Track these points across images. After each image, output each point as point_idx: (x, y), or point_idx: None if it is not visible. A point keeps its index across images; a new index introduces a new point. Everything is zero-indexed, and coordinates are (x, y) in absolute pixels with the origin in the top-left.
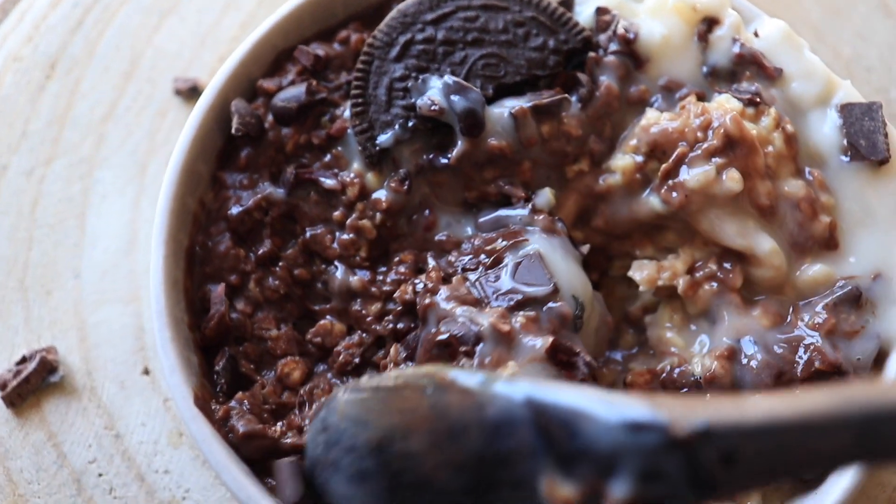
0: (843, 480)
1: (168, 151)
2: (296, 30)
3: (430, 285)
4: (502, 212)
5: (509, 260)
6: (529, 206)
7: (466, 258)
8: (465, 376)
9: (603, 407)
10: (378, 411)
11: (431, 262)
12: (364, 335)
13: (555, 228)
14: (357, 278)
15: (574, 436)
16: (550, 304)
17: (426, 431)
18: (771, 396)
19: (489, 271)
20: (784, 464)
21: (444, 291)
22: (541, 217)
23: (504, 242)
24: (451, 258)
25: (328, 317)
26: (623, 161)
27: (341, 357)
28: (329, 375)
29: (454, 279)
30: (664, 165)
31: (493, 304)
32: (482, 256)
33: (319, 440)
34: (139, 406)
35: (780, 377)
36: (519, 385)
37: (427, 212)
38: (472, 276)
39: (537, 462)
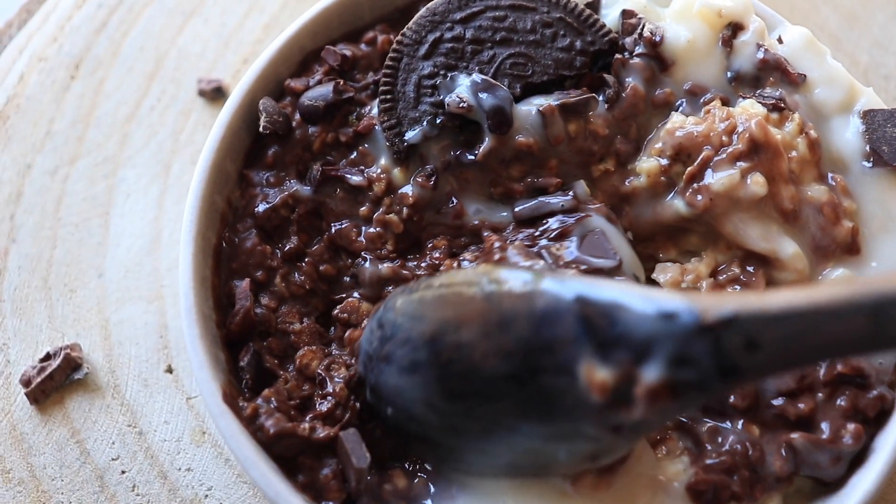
0: (864, 482)
1: (191, 151)
2: (323, 31)
3: (497, 245)
4: (543, 199)
5: (575, 233)
6: (570, 193)
7: (523, 233)
8: (518, 272)
9: (641, 299)
10: (433, 306)
11: (487, 233)
12: None
13: (610, 215)
14: (387, 266)
15: (613, 324)
16: (616, 278)
17: (478, 322)
18: (792, 290)
19: (553, 242)
20: (803, 349)
21: (513, 251)
22: (596, 205)
23: (567, 219)
24: (507, 233)
25: (356, 294)
26: (648, 164)
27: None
28: (346, 357)
29: (516, 246)
30: (689, 169)
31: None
32: (542, 232)
33: (374, 336)
34: (162, 404)
35: (803, 380)
36: (567, 281)
37: (454, 201)
38: (539, 244)
39: (578, 349)
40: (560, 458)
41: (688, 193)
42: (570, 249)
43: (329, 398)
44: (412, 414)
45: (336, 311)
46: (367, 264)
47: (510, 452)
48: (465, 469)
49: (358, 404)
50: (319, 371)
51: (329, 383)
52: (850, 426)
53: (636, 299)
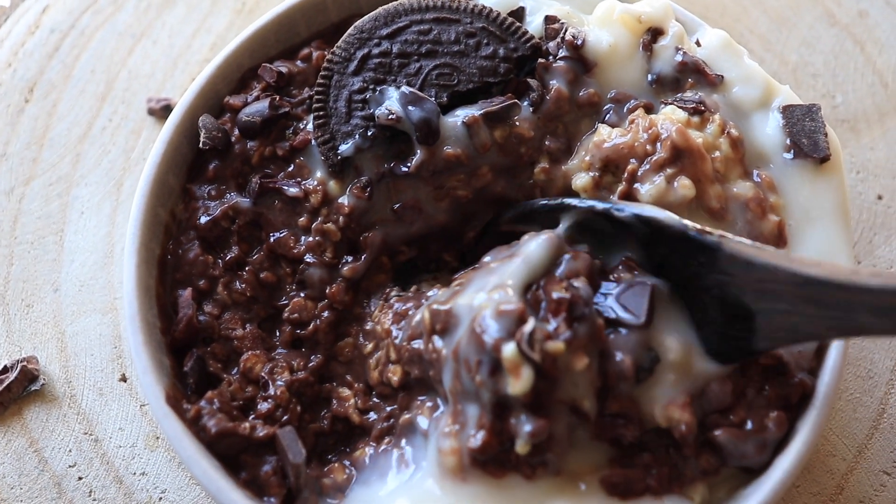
0: (782, 464)
1: (142, 168)
2: (261, 49)
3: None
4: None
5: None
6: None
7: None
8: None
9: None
10: None
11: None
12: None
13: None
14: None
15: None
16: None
17: None
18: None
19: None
20: None
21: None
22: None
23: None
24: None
25: (301, 293)
26: (582, 180)
27: (311, 326)
28: (289, 357)
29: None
30: (621, 188)
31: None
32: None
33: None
34: (117, 411)
35: (739, 394)
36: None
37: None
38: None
39: None
40: None
41: None
42: (605, 293)
43: (270, 400)
44: None
45: (286, 315)
46: (312, 269)
47: None
48: None
49: (300, 407)
50: (263, 374)
51: (271, 386)
52: (773, 414)
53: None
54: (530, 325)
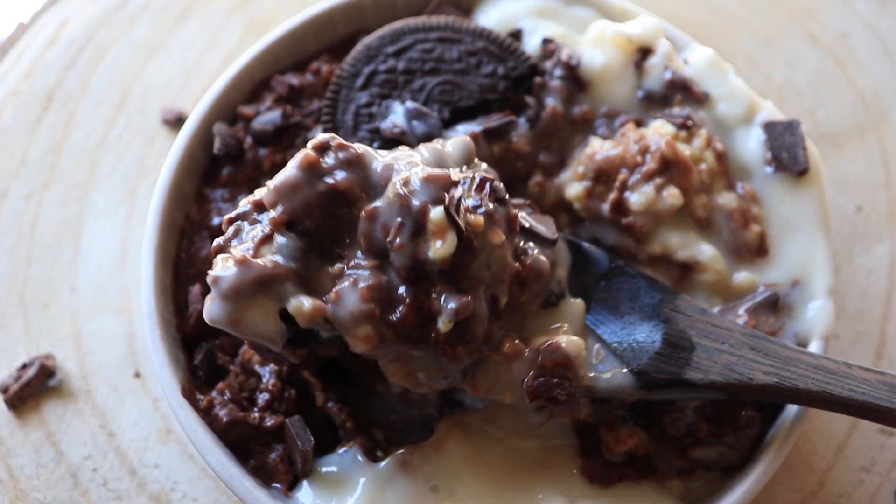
0: (758, 463)
1: (156, 175)
2: (272, 61)
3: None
4: None
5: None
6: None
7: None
8: None
9: None
10: None
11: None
12: None
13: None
14: None
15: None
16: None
17: None
18: None
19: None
20: None
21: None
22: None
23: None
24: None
25: None
26: (575, 190)
27: None
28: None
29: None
30: (612, 196)
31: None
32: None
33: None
34: (131, 406)
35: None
36: None
37: None
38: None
39: None
40: None
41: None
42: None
43: (266, 392)
44: None
45: None
46: None
47: None
48: None
49: (293, 392)
50: (256, 366)
51: (263, 377)
52: (744, 413)
53: None
54: (459, 191)
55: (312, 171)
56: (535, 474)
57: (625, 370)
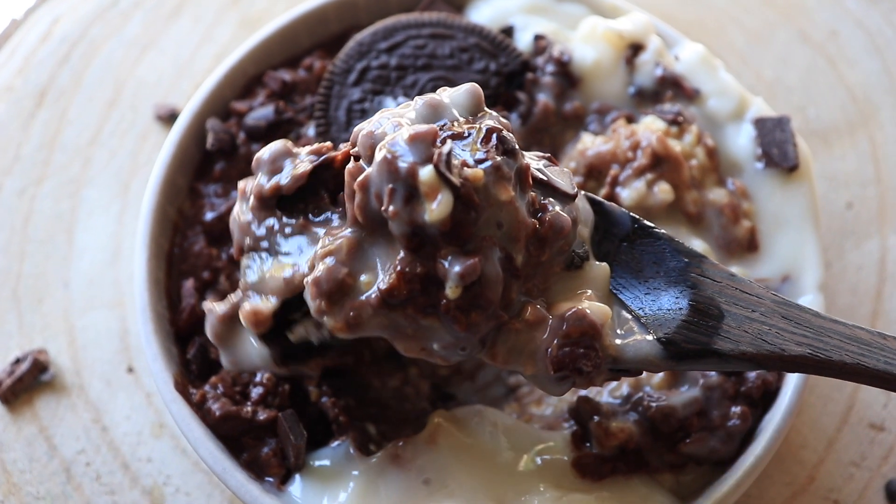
0: (748, 456)
1: (149, 171)
2: (265, 57)
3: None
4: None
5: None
6: None
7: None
8: None
9: None
10: None
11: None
12: None
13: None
14: None
15: None
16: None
17: None
18: None
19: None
20: None
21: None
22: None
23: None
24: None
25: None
26: None
27: None
28: None
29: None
30: (603, 192)
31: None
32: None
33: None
34: (123, 401)
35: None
36: None
37: None
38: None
39: None
40: None
41: None
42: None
43: (259, 386)
44: None
45: None
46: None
47: None
48: None
49: (287, 386)
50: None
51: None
52: (736, 409)
53: None
54: (448, 146)
55: None
56: (526, 468)
57: (652, 338)
